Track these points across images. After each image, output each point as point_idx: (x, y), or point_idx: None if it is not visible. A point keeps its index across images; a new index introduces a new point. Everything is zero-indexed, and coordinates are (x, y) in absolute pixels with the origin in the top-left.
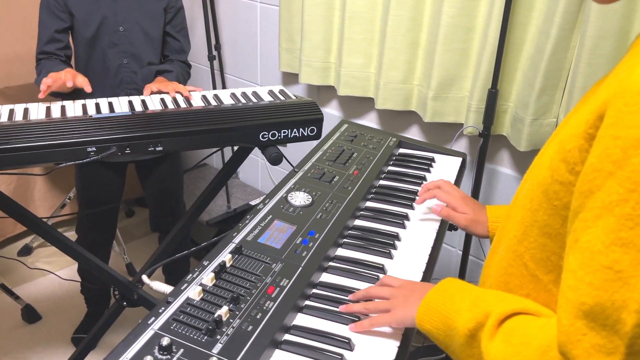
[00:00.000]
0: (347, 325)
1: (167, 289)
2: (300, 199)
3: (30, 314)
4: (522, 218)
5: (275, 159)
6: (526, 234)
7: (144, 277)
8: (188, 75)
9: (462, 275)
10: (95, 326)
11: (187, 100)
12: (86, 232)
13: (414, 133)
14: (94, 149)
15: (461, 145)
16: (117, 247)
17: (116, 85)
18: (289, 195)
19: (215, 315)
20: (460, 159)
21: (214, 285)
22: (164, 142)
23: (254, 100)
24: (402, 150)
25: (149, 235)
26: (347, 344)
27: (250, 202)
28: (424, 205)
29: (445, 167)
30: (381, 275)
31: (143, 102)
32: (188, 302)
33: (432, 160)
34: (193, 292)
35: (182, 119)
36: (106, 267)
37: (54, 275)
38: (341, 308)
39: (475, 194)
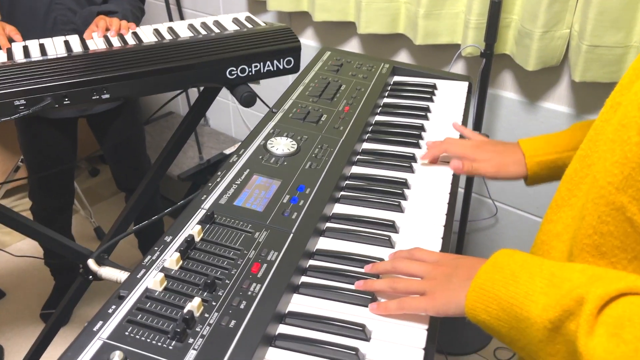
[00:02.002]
0: (358, 306)
1: (120, 275)
2: (282, 146)
3: None
4: (624, 158)
5: (248, 100)
6: (632, 178)
7: (90, 262)
8: (141, 13)
9: (464, 214)
10: (61, 303)
11: (136, 35)
12: (41, 198)
13: (403, 59)
14: (22, 102)
15: (458, 69)
16: (82, 211)
17: (50, 28)
18: (269, 142)
19: (185, 310)
20: (466, 84)
21: (180, 268)
22: (110, 88)
23: (217, 30)
24: (397, 78)
25: (117, 194)
26: (362, 332)
27: (224, 151)
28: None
29: (449, 95)
30: (393, 235)
31: (82, 41)
32: (147, 295)
33: (434, 87)
34: (153, 280)
35: (131, 58)
36: (65, 241)
37: (13, 247)
38: (358, 285)
39: (477, 123)
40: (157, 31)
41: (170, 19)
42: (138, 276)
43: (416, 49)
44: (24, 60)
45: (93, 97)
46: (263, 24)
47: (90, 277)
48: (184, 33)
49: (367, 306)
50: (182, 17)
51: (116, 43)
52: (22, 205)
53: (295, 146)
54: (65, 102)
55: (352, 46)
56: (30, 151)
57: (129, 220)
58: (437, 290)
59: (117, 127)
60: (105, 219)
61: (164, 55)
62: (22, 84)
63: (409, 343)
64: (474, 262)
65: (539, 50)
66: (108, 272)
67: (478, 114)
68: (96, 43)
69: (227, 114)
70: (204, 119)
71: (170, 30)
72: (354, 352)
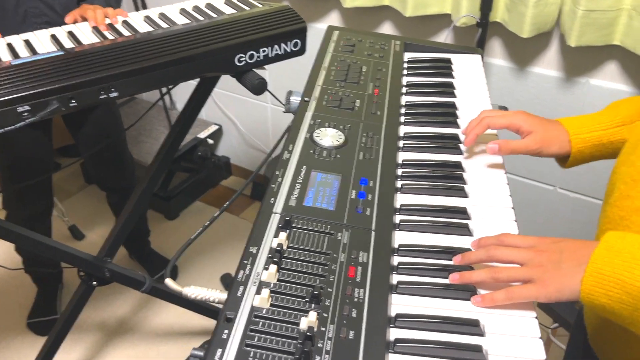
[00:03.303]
0: (459, 300)
1: (209, 294)
2: (329, 137)
3: None
4: None
5: (259, 87)
6: None
7: (169, 282)
8: None
9: None
10: (64, 311)
11: (129, 25)
12: (19, 207)
13: (388, 31)
14: (27, 107)
15: (448, 39)
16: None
17: (20, 21)
18: (315, 134)
19: (304, 327)
20: (478, 57)
21: (278, 281)
22: (117, 85)
23: (213, 15)
24: (410, 55)
25: (85, 188)
26: (477, 328)
27: (198, 135)
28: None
29: (466, 69)
30: (469, 222)
31: (71, 34)
32: (256, 314)
33: (450, 61)
34: (259, 298)
35: (135, 51)
36: (63, 247)
37: None
38: (453, 278)
39: None
40: (149, 18)
41: (135, 1)
42: (238, 294)
43: (402, 21)
44: (18, 62)
45: (101, 97)
46: (260, 5)
47: (94, 282)
48: (179, 19)
49: (468, 299)
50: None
51: (108, 35)
52: None
53: (343, 137)
54: (71, 104)
55: (333, 20)
56: (5, 155)
57: (129, 224)
58: (547, 278)
59: (96, 121)
60: (78, 215)
61: (171, 46)
62: (24, 88)
63: (525, 333)
64: (579, 246)
65: (534, 17)
66: (195, 292)
67: None
68: (87, 36)
69: None
70: (171, 102)
71: (163, 16)
72: (479, 351)
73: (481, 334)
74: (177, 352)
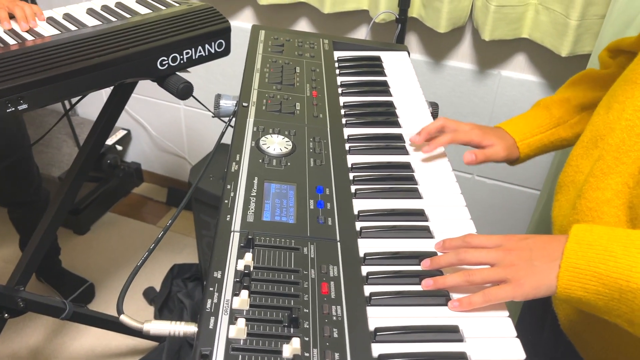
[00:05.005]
0: (434, 306)
1: (173, 328)
2: (277, 145)
3: None
4: None
5: (185, 91)
6: None
7: (125, 319)
8: None
9: None
10: None
11: (32, 30)
12: None
13: (304, 28)
14: None
15: (368, 37)
16: None
17: None
18: (261, 142)
19: (287, 355)
20: (405, 54)
21: (251, 307)
22: (27, 97)
23: (126, 15)
24: (339, 54)
25: None
26: (458, 334)
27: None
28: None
29: (396, 67)
30: (428, 224)
31: None
32: (234, 346)
33: (379, 59)
34: (233, 328)
35: (44, 57)
36: None
37: None
38: (427, 284)
39: None
40: (52, 20)
41: None
42: (210, 327)
43: (319, 18)
44: None
45: (8, 110)
46: (177, 4)
47: (6, 315)
48: (88, 20)
49: (442, 304)
50: None
51: (9, 40)
52: None
53: (290, 143)
54: None
55: (247, 18)
56: None
57: (43, 247)
58: (521, 276)
59: (1, 132)
60: None
61: (86, 51)
62: None
63: (501, 334)
64: (547, 241)
65: (449, 12)
66: (157, 327)
67: None
68: None
69: (98, 100)
70: (74, 109)
71: (69, 17)
72: (464, 358)
73: (461, 340)
74: None
